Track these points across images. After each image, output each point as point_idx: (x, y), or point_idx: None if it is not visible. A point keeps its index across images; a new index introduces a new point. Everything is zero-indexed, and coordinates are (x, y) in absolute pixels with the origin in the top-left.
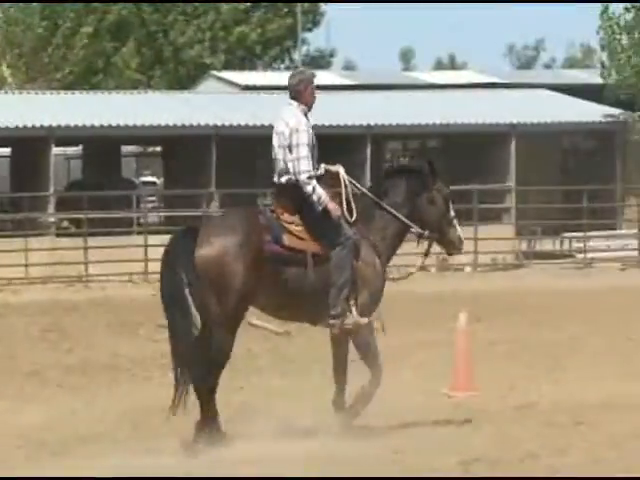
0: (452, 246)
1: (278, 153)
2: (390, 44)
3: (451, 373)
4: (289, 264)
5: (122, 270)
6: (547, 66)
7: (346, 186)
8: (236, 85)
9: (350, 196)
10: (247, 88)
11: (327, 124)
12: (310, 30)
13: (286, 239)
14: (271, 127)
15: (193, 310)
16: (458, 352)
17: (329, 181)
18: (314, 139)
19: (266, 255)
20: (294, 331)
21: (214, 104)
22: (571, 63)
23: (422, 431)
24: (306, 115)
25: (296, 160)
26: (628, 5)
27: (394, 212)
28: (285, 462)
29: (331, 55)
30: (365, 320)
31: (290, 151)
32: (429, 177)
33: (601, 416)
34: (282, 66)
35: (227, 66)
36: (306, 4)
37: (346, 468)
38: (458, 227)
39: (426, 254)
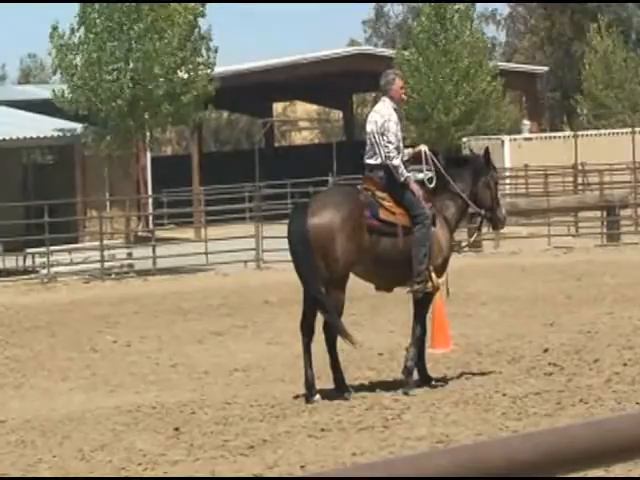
0: (499, 222)
1: (372, 138)
2: None
3: None
4: (383, 235)
5: None
6: None
7: (427, 162)
8: None
9: (432, 172)
10: None
11: None
12: None
13: (381, 213)
14: None
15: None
16: None
17: (415, 160)
18: (400, 130)
19: (366, 228)
20: None
21: None
22: (26, 79)
23: None
24: (395, 110)
25: (384, 146)
26: (75, 26)
27: (461, 194)
28: None
29: None
30: (442, 279)
31: (382, 136)
32: (485, 165)
33: (69, 430)
34: None
35: None
36: None
37: None
38: (503, 207)
39: (479, 229)
